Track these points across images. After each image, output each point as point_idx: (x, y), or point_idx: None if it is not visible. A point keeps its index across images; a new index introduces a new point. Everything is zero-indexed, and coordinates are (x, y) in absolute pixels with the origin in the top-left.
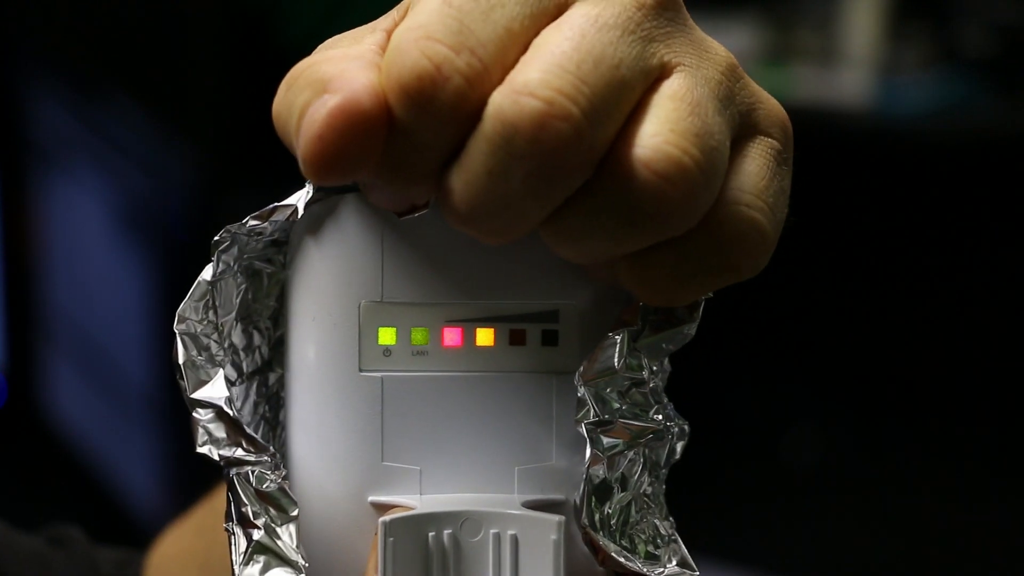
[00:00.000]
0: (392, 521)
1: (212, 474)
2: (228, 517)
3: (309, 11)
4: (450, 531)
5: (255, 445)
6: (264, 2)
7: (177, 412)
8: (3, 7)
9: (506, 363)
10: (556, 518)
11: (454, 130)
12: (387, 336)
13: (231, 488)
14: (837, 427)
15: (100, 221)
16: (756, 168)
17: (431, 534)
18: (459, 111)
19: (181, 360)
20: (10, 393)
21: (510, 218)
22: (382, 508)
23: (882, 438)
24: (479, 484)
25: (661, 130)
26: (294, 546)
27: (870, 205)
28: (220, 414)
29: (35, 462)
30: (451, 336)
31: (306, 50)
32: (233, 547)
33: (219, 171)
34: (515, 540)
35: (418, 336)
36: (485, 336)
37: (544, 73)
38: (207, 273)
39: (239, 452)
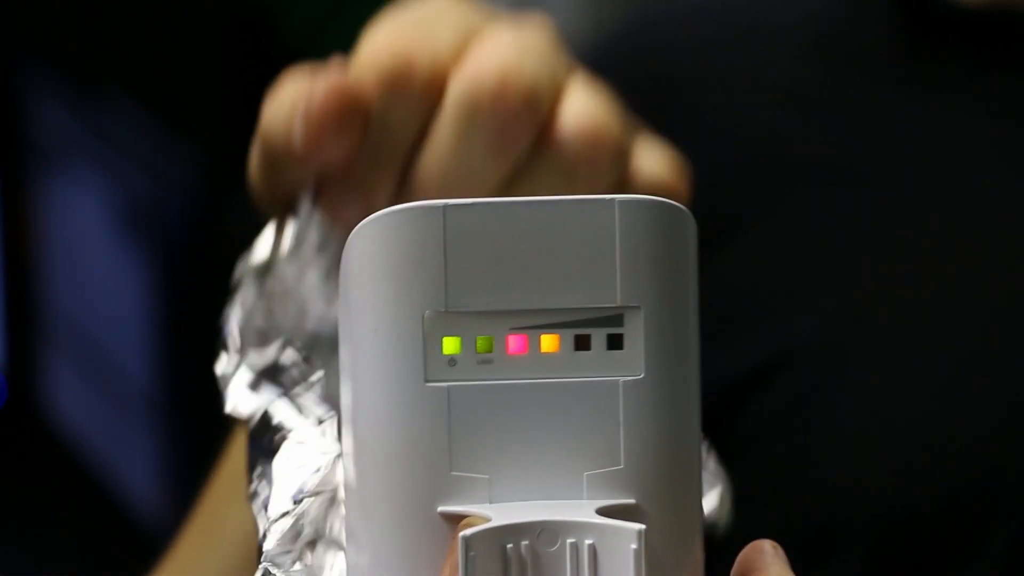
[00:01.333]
0: (472, 535)
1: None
2: None
3: (309, 11)
4: (527, 542)
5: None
6: (264, 2)
7: (177, 412)
8: (3, 7)
9: (572, 369)
10: (636, 527)
11: (422, 114)
12: (452, 346)
13: None
14: None
15: (100, 221)
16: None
17: (509, 545)
18: (427, 95)
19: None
20: (10, 393)
21: (471, 183)
22: (452, 518)
23: None
24: (548, 491)
25: (587, 102)
26: None
27: None
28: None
29: (35, 462)
30: (516, 343)
31: (306, 50)
32: None
33: (219, 171)
34: (593, 550)
35: (483, 344)
36: (550, 342)
37: (494, 58)
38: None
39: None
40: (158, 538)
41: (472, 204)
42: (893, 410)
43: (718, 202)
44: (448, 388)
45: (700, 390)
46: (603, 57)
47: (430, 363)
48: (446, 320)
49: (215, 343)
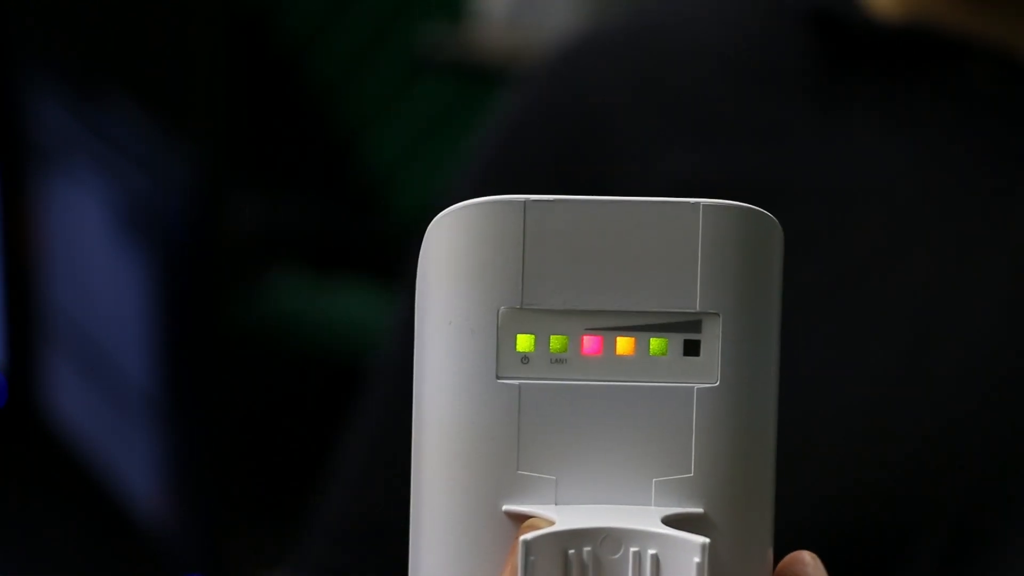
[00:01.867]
0: (533, 540)
1: (212, 475)
2: None
3: (309, 11)
4: (589, 548)
5: None
6: (264, 2)
7: (177, 412)
8: (3, 7)
9: (646, 373)
10: (701, 540)
11: None
12: (526, 343)
13: None
14: None
15: (100, 221)
16: None
17: (570, 551)
18: None
19: None
20: (10, 393)
21: None
22: (517, 517)
23: None
24: (616, 495)
25: None
26: None
27: None
28: None
29: (35, 462)
30: (591, 344)
31: (306, 50)
32: None
33: (219, 171)
34: (656, 560)
35: (557, 344)
36: (625, 345)
37: None
38: None
39: None
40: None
41: (554, 200)
42: (819, 422)
43: None
44: (520, 386)
45: (777, 400)
46: (531, 90)
47: (503, 360)
48: (521, 317)
49: (215, 343)
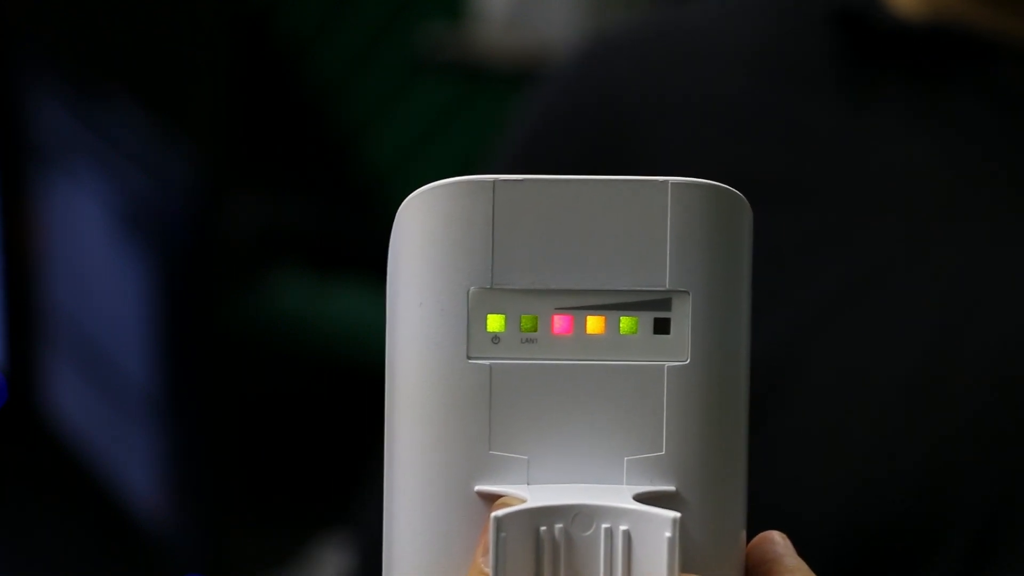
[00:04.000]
0: (504, 516)
1: (212, 475)
2: None
3: (309, 11)
4: (561, 525)
5: None
6: (264, 2)
7: (177, 412)
8: (3, 7)
9: (616, 352)
10: (671, 514)
11: None
12: (496, 323)
13: None
14: None
15: (100, 221)
16: None
17: (542, 528)
18: None
19: None
20: (10, 393)
21: None
22: (489, 497)
23: None
24: (588, 474)
25: None
26: None
27: None
28: None
29: (35, 462)
30: (561, 323)
31: (306, 50)
32: None
33: (219, 171)
34: (628, 536)
35: (527, 323)
36: (596, 324)
37: None
38: None
39: None
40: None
41: (523, 180)
42: (846, 420)
43: None
44: (491, 365)
45: (748, 378)
46: (557, 89)
47: (473, 339)
48: (491, 297)
49: (215, 343)
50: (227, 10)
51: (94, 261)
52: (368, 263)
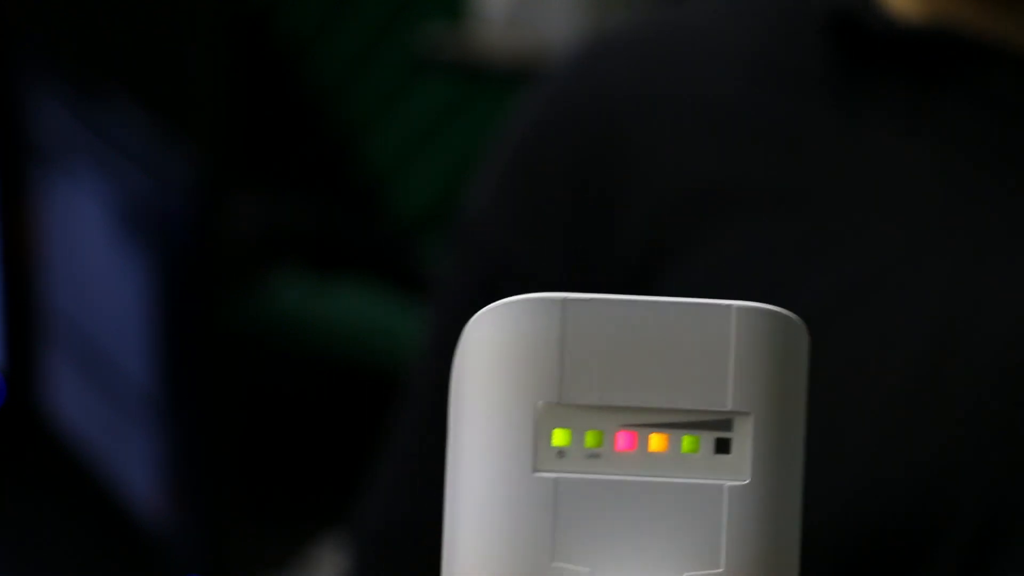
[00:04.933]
0: None
1: (212, 475)
2: None
3: (309, 11)
4: None
5: None
6: (264, 2)
7: (177, 412)
8: (3, 7)
9: (678, 469)
10: None
11: None
12: (562, 438)
13: None
14: None
15: (100, 221)
16: None
17: None
18: None
19: None
20: (10, 393)
21: None
22: None
23: None
24: None
25: None
26: None
27: None
28: None
29: (35, 462)
30: (625, 440)
31: (306, 50)
32: None
33: (219, 171)
34: None
35: (592, 439)
36: (658, 442)
37: None
38: None
39: None
40: (158, 538)
41: (591, 299)
42: (842, 426)
43: (662, 231)
44: (556, 479)
45: (803, 498)
46: (551, 92)
47: (540, 454)
48: (558, 412)
49: (215, 343)
50: (227, 10)
51: (94, 261)
52: (368, 263)
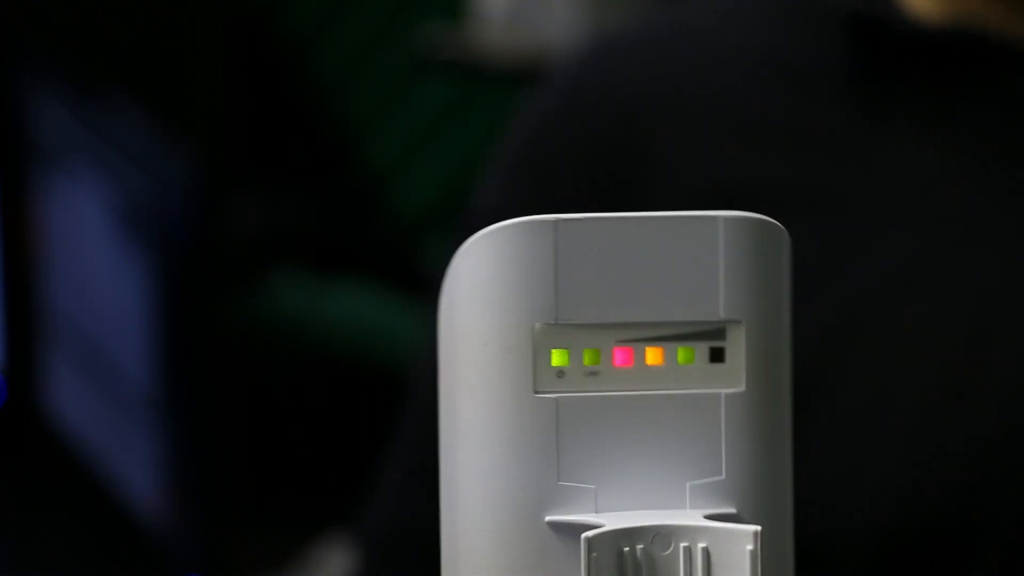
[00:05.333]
0: (594, 537)
1: (212, 475)
2: None
3: (309, 11)
4: (642, 546)
5: None
6: (264, 2)
7: (177, 412)
8: (3, 7)
9: (675, 381)
10: (752, 528)
11: None
12: (560, 358)
13: None
14: None
15: (100, 221)
16: None
17: (625, 548)
18: None
19: None
20: (10, 393)
21: None
22: (559, 527)
23: None
24: (652, 500)
25: None
26: None
27: None
28: None
29: (35, 462)
30: (622, 356)
31: (306, 50)
32: None
33: (219, 171)
34: (707, 553)
35: (590, 357)
36: (654, 355)
37: None
38: None
39: None
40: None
41: (582, 219)
42: (876, 430)
43: None
44: (557, 399)
45: (792, 405)
46: (560, 90)
47: (539, 375)
48: (555, 333)
49: (215, 343)
50: (227, 10)
51: (94, 261)
52: (368, 263)
